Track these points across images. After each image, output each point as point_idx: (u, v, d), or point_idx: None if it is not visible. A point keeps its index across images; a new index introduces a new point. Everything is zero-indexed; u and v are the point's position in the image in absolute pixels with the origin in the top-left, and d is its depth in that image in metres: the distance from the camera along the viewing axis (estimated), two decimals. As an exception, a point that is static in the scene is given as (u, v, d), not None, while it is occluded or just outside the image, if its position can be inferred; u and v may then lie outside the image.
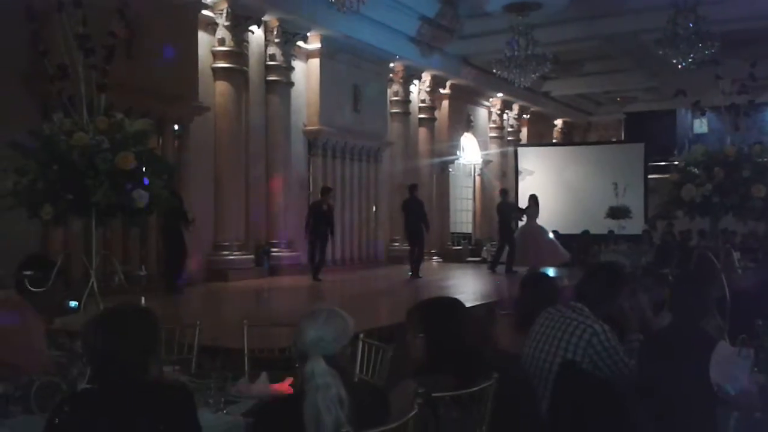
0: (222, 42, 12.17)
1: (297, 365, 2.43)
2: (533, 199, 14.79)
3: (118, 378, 2.27)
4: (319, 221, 12.23)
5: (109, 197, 3.01)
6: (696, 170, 4.62)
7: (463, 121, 19.97)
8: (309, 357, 2.33)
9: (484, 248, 17.91)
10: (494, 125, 21.62)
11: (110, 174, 3.02)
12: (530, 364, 3.53)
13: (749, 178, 4.50)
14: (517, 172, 20.70)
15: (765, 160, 4.62)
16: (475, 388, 2.73)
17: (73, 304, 3.61)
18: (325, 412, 2.20)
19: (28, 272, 3.35)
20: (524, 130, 23.26)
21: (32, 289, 3.32)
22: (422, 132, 18.09)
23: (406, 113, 17.27)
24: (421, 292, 10.51)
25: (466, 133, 20.25)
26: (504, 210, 14.76)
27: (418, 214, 13.47)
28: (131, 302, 2.51)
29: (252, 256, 12.66)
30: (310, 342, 2.37)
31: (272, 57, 13.30)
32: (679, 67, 13.55)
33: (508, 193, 15.79)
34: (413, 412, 2.34)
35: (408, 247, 14.04)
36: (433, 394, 2.57)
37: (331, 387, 2.24)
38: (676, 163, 4.95)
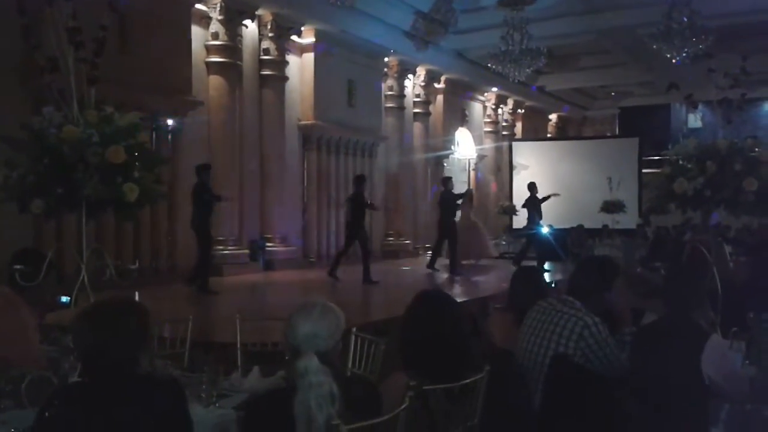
0: (216, 36, 12.13)
1: (287, 357, 2.43)
2: (469, 193, 14.86)
3: (109, 372, 2.26)
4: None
5: (100, 191, 3.00)
6: (688, 164, 4.62)
7: (457, 116, 19.97)
8: (302, 353, 2.33)
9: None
10: (489, 120, 21.63)
11: (100, 167, 3.01)
12: (523, 358, 3.53)
13: (741, 172, 4.51)
14: (511, 167, 20.73)
15: (757, 153, 4.63)
16: (466, 381, 2.73)
17: (64, 299, 3.60)
18: (316, 410, 2.20)
19: (19, 266, 3.34)
20: (519, 125, 23.27)
21: (23, 283, 3.31)
22: (417, 126, 18.08)
23: (401, 108, 17.25)
24: (418, 287, 10.49)
25: (460, 128, 20.25)
26: (447, 200, 13.10)
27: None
28: (121, 296, 2.50)
29: (247, 251, 12.64)
30: (303, 337, 2.37)
31: (266, 51, 13.27)
32: (674, 61, 13.56)
33: (451, 181, 13.85)
34: (404, 405, 2.34)
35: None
36: (425, 387, 2.57)
37: (324, 384, 2.24)
38: (668, 157, 4.96)
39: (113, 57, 3.32)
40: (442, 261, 13.16)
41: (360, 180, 11.49)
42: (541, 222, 14.50)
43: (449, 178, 13.88)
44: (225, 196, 10.34)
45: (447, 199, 12.98)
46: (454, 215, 13.15)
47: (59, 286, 3.59)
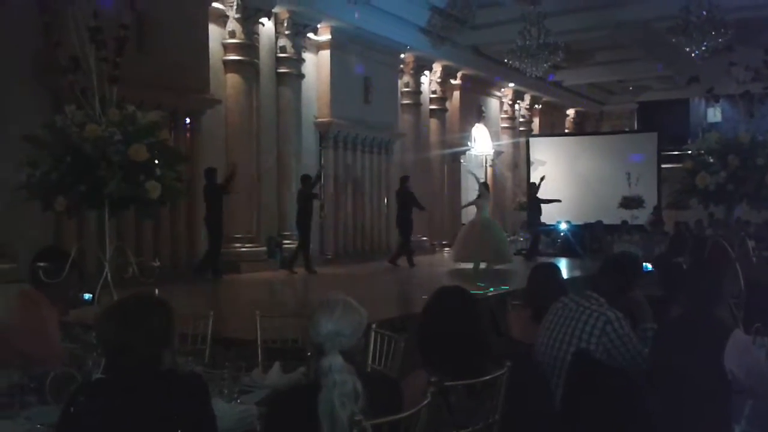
0: (233, 34, 12.18)
1: (309, 354, 2.43)
2: (484, 186, 13.75)
3: (133, 368, 2.28)
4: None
5: (122, 189, 3.02)
6: (710, 158, 4.58)
7: (474, 112, 19.90)
8: (325, 351, 2.33)
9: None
10: (506, 115, 21.55)
11: (123, 166, 3.03)
12: (544, 354, 3.52)
13: (764, 166, 4.46)
14: (528, 163, 20.66)
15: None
16: (487, 377, 2.73)
17: (87, 296, 3.63)
18: (340, 408, 2.21)
19: (42, 264, 3.37)
20: (536, 120, 23.17)
21: (46, 280, 3.33)
22: (433, 123, 18.05)
23: (417, 104, 17.23)
24: (435, 283, 10.49)
25: (477, 124, 20.18)
26: (402, 198, 13.58)
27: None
28: (145, 293, 2.52)
29: (264, 248, 12.69)
30: (326, 335, 2.37)
31: (283, 49, 13.30)
32: (693, 55, 13.43)
33: (409, 180, 13.94)
34: (426, 401, 2.34)
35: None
36: (446, 384, 2.57)
37: (347, 382, 2.25)
38: (689, 152, 4.92)
39: (131, 56, 3.32)
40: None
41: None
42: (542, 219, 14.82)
43: (407, 177, 13.92)
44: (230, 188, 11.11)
45: (403, 198, 13.46)
46: (410, 211, 13.43)
47: (82, 284, 3.61)
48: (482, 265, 12.43)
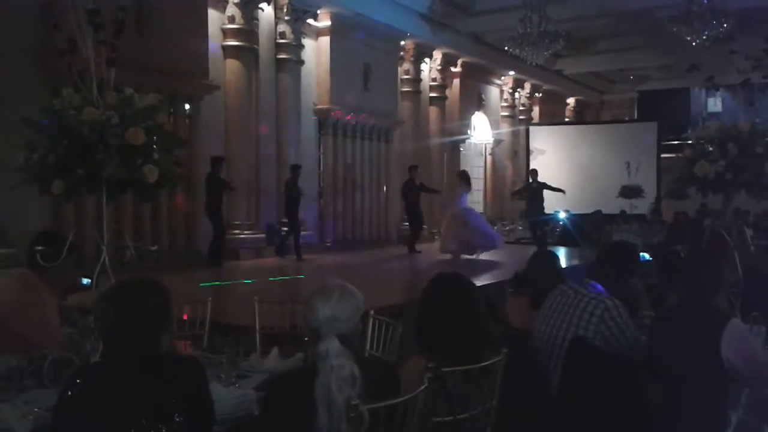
0: (232, 20, 12.12)
1: (306, 339, 2.44)
2: (463, 176, 13.39)
3: (130, 351, 2.28)
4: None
5: (120, 172, 3.01)
6: (709, 146, 4.58)
7: (474, 100, 19.85)
8: (322, 336, 2.34)
9: (495, 227, 17.84)
10: (506, 104, 21.49)
11: (120, 149, 3.01)
12: (542, 341, 3.53)
13: (763, 155, 4.46)
14: (528, 152, 20.62)
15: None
16: (484, 363, 2.73)
17: (85, 281, 3.63)
18: (336, 392, 2.22)
19: (40, 248, 3.36)
20: (536, 109, 23.12)
21: (44, 264, 3.33)
22: (433, 111, 18.00)
23: (417, 92, 17.17)
24: (432, 271, 10.48)
25: (477, 112, 20.13)
26: (409, 189, 14.02)
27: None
28: (143, 276, 2.51)
29: (263, 235, 12.69)
30: (323, 320, 2.38)
31: (282, 35, 13.24)
32: (693, 44, 13.38)
33: (417, 170, 14.23)
34: (423, 387, 2.34)
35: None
36: (443, 369, 2.57)
37: (345, 367, 2.26)
38: (690, 142, 4.91)
39: (131, 40, 3.29)
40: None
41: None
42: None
43: (416, 167, 14.22)
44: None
45: (411, 187, 13.88)
46: (418, 200, 13.98)
47: (79, 268, 3.61)
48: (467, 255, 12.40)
